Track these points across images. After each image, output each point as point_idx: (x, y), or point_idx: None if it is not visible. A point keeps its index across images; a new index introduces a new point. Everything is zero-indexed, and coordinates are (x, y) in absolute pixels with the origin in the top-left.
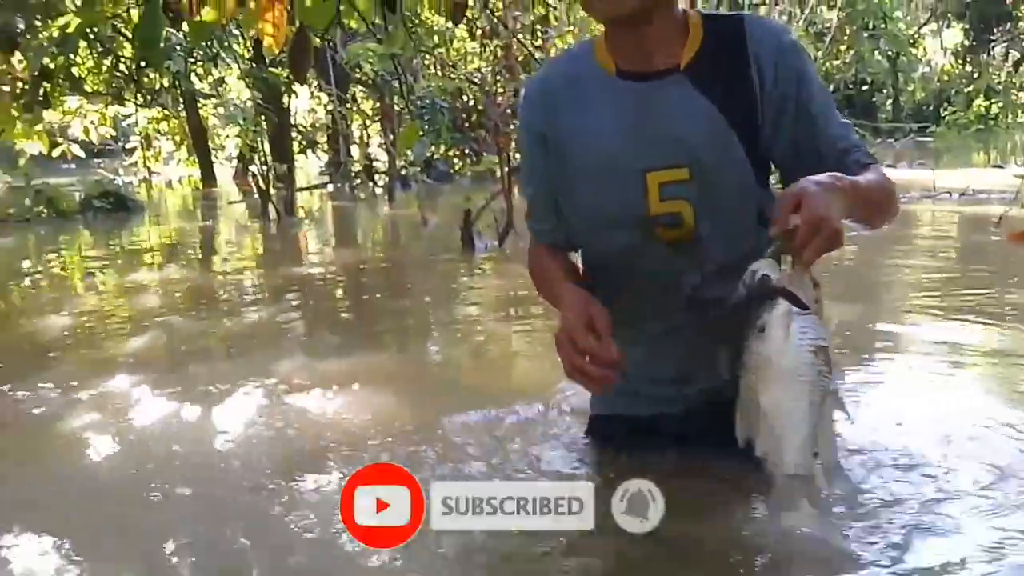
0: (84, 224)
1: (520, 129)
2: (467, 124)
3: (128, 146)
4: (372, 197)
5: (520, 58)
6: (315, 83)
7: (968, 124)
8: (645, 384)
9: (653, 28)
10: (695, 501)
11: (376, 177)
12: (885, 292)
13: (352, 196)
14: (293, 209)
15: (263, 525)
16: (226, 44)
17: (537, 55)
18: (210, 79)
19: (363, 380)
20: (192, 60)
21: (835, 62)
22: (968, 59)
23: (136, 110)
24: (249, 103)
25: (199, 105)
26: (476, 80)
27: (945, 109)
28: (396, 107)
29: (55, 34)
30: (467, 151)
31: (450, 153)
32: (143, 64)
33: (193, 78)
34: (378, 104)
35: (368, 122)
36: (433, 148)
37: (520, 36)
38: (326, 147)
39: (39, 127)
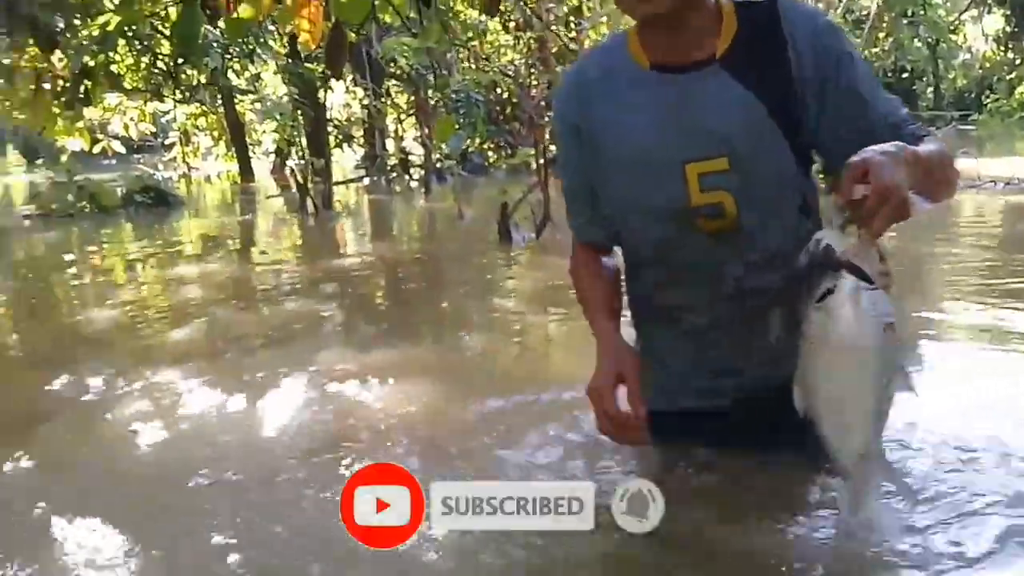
0: (126, 219)
1: (555, 120)
2: (502, 117)
3: (167, 142)
4: (408, 190)
5: (554, 50)
6: (351, 78)
7: (1011, 112)
8: (690, 378)
9: (688, 21)
10: (735, 498)
11: (412, 171)
12: (932, 280)
13: (388, 190)
14: (330, 203)
15: (311, 511)
16: (262, 40)
17: (571, 47)
18: (247, 75)
19: (401, 371)
20: (229, 56)
21: (874, 49)
22: (1010, 45)
23: (175, 106)
24: (286, 98)
25: (236, 101)
26: (510, 73)
27: (987, 96)
28: (431, 101)
29: (95, 32)
30: (502, 144)
31: (485, 146)
32: (181, 61)
33: (230, 74)
34: (413, 98)
35: (403, 116)
36: (468, 141)
37: (554, 28)
38: (362, 141)
39: (80, 124)
